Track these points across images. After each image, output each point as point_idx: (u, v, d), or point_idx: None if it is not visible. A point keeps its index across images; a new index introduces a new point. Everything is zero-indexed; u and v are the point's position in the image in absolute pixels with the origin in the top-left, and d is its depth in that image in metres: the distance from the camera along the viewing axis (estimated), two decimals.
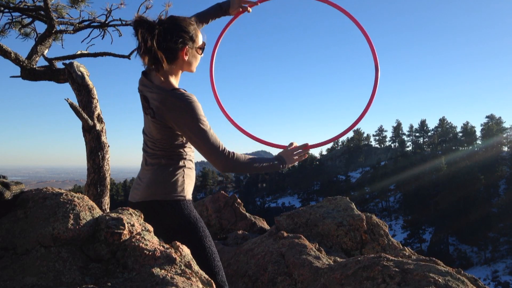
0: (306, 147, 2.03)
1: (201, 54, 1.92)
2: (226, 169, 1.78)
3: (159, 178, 1.79)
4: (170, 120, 1.71)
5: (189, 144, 1.85)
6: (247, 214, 5.14)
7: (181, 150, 1.83)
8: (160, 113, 1.71)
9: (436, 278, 2.17)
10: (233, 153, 1.78)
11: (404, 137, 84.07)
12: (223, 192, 5.59)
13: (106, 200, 4.11)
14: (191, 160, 1.89)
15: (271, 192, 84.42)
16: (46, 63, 4.46)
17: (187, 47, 1.80)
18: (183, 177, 1.83)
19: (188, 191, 1.86)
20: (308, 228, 3.80)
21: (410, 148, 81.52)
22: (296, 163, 2.07)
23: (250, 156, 1.87)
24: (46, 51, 4.48)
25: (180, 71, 1.87)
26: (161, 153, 1.81)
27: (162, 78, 1.79)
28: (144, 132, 1.90)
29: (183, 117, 1.69)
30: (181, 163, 1.83)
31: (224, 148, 1.76)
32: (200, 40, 1.90)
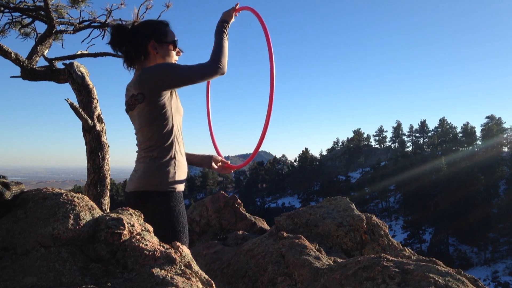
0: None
1: (174, 50, 1.99)
2: (223, 70, 1.88)
3: (151, 169, 1.83)
4: (155, 83, 1.79)
5: (178, 134, 1.92)
6: (247, 215, 5.14)
7: (171, 140, 1.88)
8: (143, 87, 1.80)
9: (436, 278, 2.17)
10: (212, 59, 1.89)
11: (404, 137, 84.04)
12: (223, 192, 5.58)
13: (106, 200, 4.10)
14: (181, 153, 1.93)
15: (271, 193, 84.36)
16: (46, 63, 4.46)
17: (152, 40, 1.90)
18: (175, 168, 1.86)
19: (179, 183, 1.89)
20: (308, 228, 3.80)
21: (410, 148, 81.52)
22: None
23: (216, 49, 1.93)
24: (46, 51, 4.48)
25: None
26: (153, 144, 1.86)
27: None
28: (135, 133, 1.96)
29: (163, 73, 1.80)
30: (171, 155, 1.87)
31: (206, 62, 1.88)
32: (170, 35, 1.98)
